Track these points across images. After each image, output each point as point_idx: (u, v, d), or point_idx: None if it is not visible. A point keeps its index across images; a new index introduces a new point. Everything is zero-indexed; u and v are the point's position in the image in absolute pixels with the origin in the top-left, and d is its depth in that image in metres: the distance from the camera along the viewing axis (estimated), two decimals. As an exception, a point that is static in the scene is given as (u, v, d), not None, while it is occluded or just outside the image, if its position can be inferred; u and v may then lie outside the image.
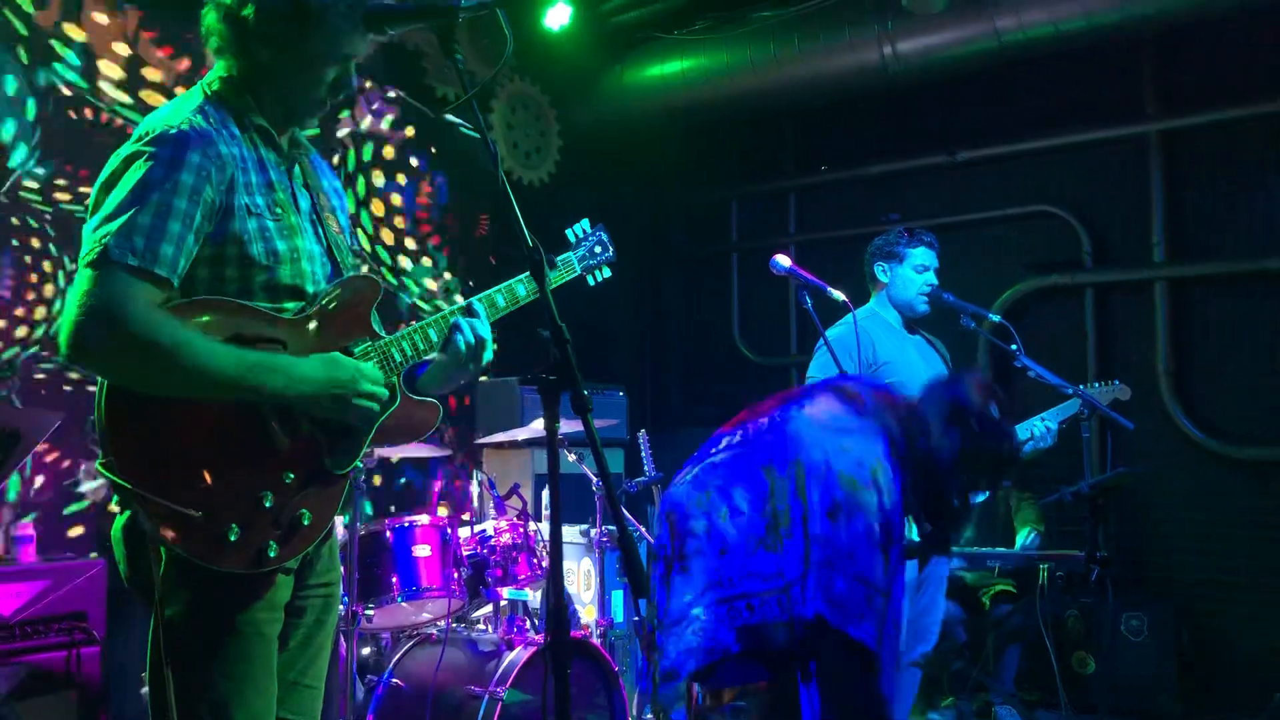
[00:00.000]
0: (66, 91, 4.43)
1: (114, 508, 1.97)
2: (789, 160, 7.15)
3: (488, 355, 2.22)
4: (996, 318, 3.99)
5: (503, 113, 6.54)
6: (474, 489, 4.57)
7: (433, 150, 6.20)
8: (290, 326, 1.99)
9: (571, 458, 4.60)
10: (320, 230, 2.13)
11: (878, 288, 4.05)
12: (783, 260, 3.22)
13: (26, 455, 2.95)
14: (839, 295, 3.18)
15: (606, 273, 2.62)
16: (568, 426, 3.83)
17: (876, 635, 2.45)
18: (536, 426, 4.57)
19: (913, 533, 3.64)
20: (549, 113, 6.79)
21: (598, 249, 2.59)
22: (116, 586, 2.00)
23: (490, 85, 6.34)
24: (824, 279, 3.34)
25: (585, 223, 2.61)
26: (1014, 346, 3.95)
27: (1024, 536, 5.32)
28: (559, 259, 2.50)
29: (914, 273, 3.97)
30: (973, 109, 6.32)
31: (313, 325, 2.03)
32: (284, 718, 2.04)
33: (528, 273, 2.29)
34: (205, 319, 1.88)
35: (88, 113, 4.49)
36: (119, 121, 4.57)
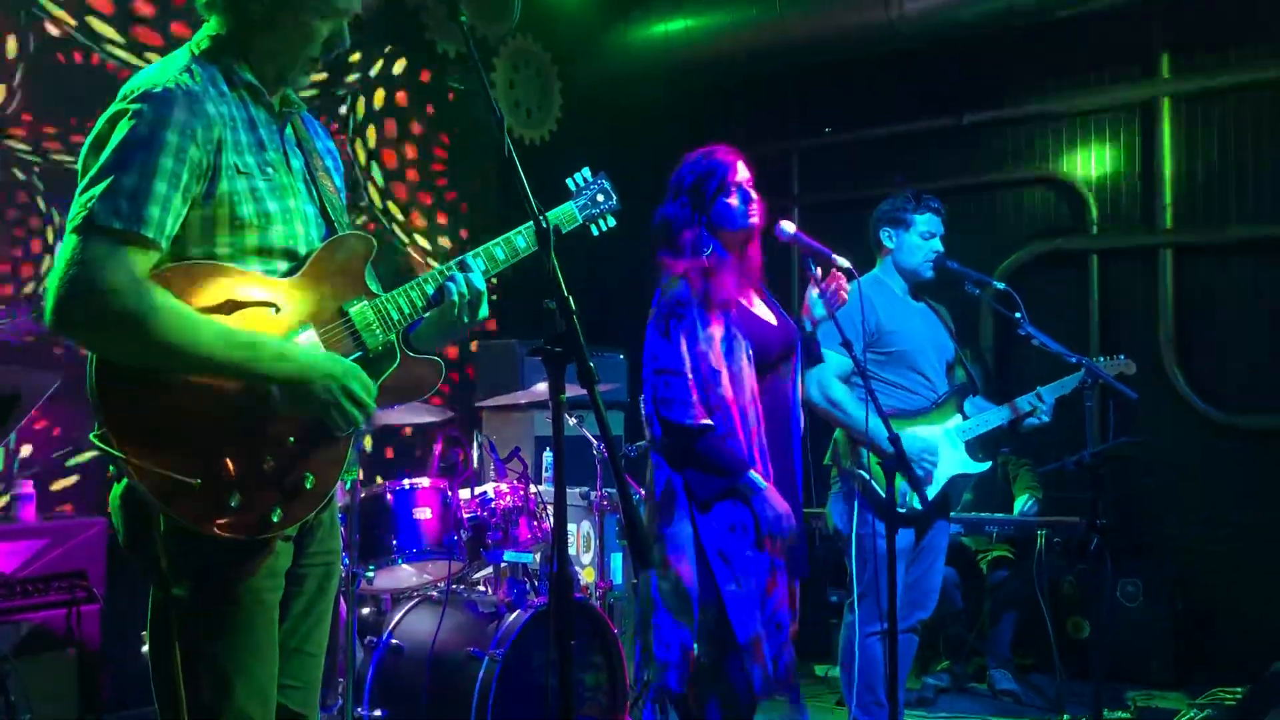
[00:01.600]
0: (54, 30, 4.22)
1: (110, 473, 1.92)
2: (793, 121, 7.09)
3: (483, 310, 2.19)
4: (1001, 285, 3.96)
5: (505, 70, 6.48)
6: (474, 451, 4.58)
7: (430, 111, 6.14)
8: (281, 288, 1.96)
9: (572, 420, 4.61)
10: (314, 190, 2.09)
11: (883, 253, 4.03)
12: (788, 226, 3.18)
13: (25, 415, 2.95)
14: (844, 262, 3.15)
15: (611, 222, 2.54)
16: (569, 390, 3.82)
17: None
18: (538, 390, 4.58)
19: (913, 500, 3.66)
20: (551, 70, 6.73)
21: (600, 198, 2.51)
22: (116, 545, 1.98)
23: (492, 43, 6.27)
24: (827, 242, 3.31)
25: (586, 171, 2.53)
26: (1018, 314, 3.93)
27: (1022, 503, 5.35)
28: (558, 209, 2.42)
29: (920, 239, 3.95)
30: (981, 71, 6.26)
31: (305, 285, 1.99)
32: (285, 684, 2.03)
33: (527, 224, 2.23)
34: (195, 284, 1.84)
35: (77, 56, 4.32)
36: (111, 65, 4.39)
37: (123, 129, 1.82)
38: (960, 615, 5.30)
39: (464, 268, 2.18)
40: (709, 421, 2.94)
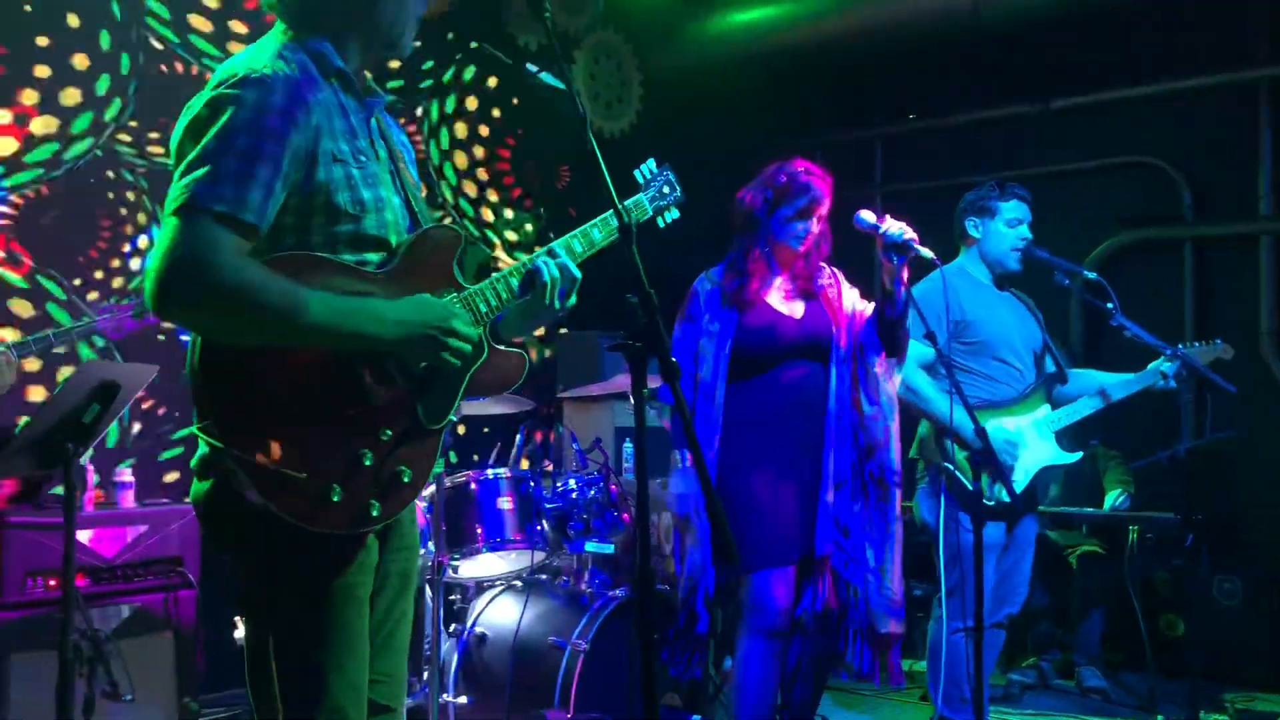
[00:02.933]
0: (158, 45, 4.48)
1: (195, 468, 1.93)
2: (875, 109, 7.00)
3: (573, 297, 2.19)
4: (1092, 274, 3.88)
5: (585, 63, 6.51)
6: (556, 442, 4.61)
7: (515, 101, 6.19)
8: (376, 280, 1.96)
9: (653, 411, 4.61)
10: (398, 181, 2.09)
11: (968, 243, 3.97)
12: (867, 216, 3.15)
13: (124, 407, 3.04)
14: (927, 252, 3.11)
15: (675, 214, 2.54)
16: (652, 382, 3.84)
17: None
18: (618, 381, 4.59)
19: (1001, 493, 3.60)
20: (631, 62, 6.74)
21: (666, 189, 2.51)
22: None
23: (573, 36, 6.30)
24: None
25: (651, 162, 2.53)
26: (1109, 304, 3.84)
27: (1114, 497, 5.22)
28: (628, 201, 2.40)
29: (1006, 227, 3.88)
30: (1068, 55, 6.11)
31: (396, 277, 1.98)
32: (373, 678, 2.02)
33: (601, 217, 2.26)
34: (294, 274, 1.83)
35: (179, 67, 4.55)
36: (208, 75, 4.61)
37: (224, 114, 1.80)
38: (1047, 610, 5.20)
39: (551, 254, 2.18)
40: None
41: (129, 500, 3.86)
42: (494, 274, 2.14)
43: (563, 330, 6.03)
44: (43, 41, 3.90)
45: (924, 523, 3.84)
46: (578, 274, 2.18)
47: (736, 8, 6.42)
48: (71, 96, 3.96)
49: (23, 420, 3.07)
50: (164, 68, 4.49)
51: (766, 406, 3.24)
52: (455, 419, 2.07)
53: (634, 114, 6.71)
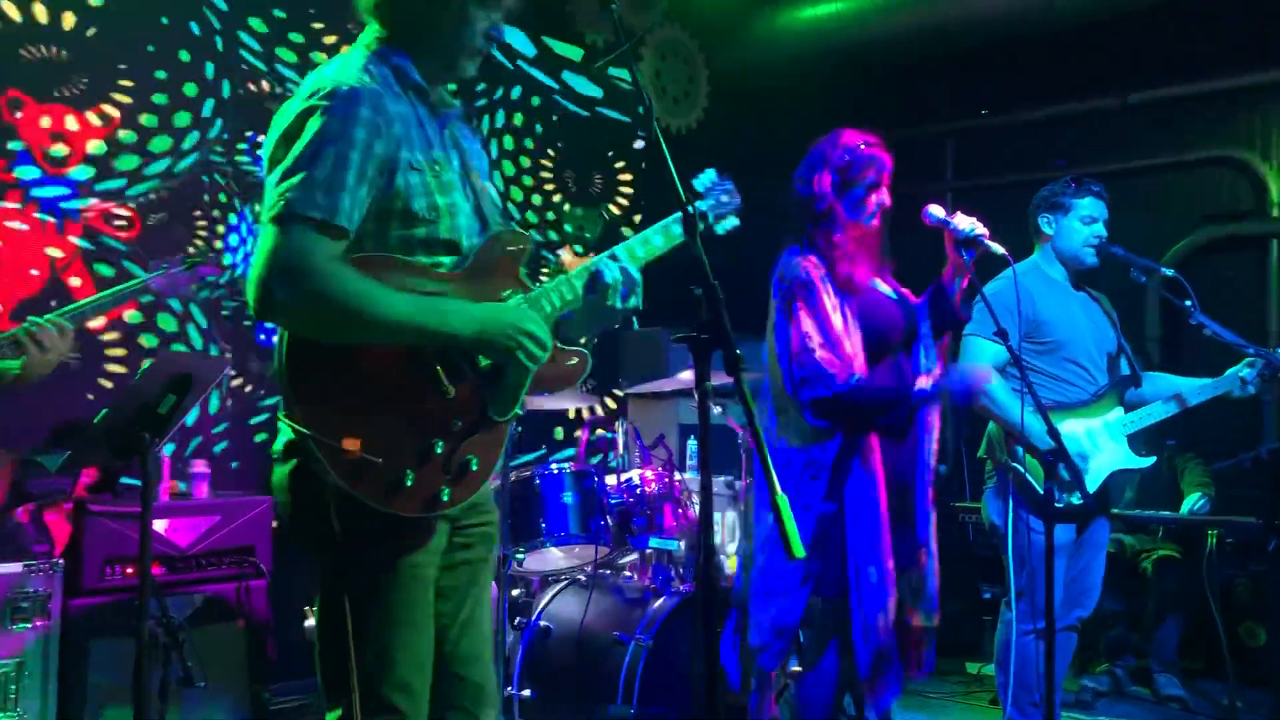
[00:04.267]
0: (246, 68, 4.83)
1: (278, 453, 2.05)
2: (946, 104, 6.92)
3: (635, 300, 2.26)
4: (1170, 271, 3.79)
5: (651, 59, 6.52)
6: (619, 438, 4.63)
7: (539, 129, 6.21)
8: (448, 281, 2.07)
9: (716, 409, 4.61)
10: (469, 188, 2.19)
11: (1042, 240, 3.90)
12: (936, 210, 3.11)
13: (199, 399, 3.10)
14: (998, 248, 3.06)
15: (734, 222, 2.60)
16: (715, 378, 3.84)
17: None
18: (683, 378, 4.59)
19: (1074, 497, 3.53)
20: (698, 58, 6.73)
21: (724, 198, 2.57)
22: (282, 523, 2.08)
23: (639, 33, 6.31)
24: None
25: (712, 172, 2.59)
26: (1188, 303, 3.75)
27: (1193, 500, 5.09)
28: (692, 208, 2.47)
29: (1080, 224, 3.80)
30: (1146, 48, 5.98)
31: (467, 278, 2.09)
32: (464, 656, 2.14)
33: (667, 220, 2.32)
34: (375, 275, 1.95)
35: (265, 86, 4.87)
36: (290, 89, 4.90)
37: (314, 124, 1.93)
38: (1121, 616, 5.09)
39: (614, 258, 2.26)
40: (857, 374, 2.98)
41: (203, 491, 3.96)
42: (558, 276, 2.23)
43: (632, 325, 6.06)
44: (161, 75, 4.46)
45: (992, 524, 3.78)
46: (638, 276, 2.26)
47: (804, 3, 6.39)
48: (182, 119, 4.54)
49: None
50: (251, 85, 4.84)
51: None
52: (520, 412, 2.14)
53: (700, 110, 6.70)
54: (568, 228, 6.15)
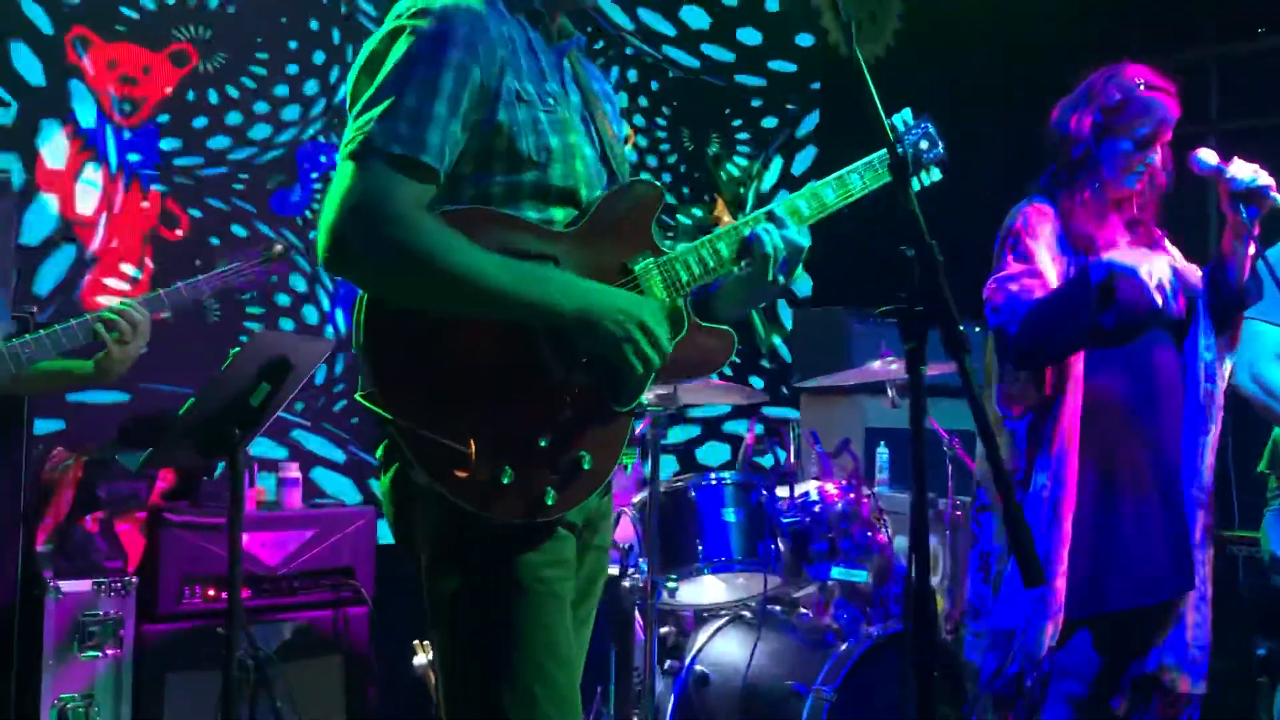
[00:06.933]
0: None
1: (379, 459, 2.07)
2: (1208, 22, 6.69)
3: (799, 271, 2.24)
4: None
5: (829, -28, 6.49)
6: (792, 444, 4.62)
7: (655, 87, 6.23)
8: (562, 240, 2.06)
9: (895, 406, 4.53)
10: (593, 131, 2.19)
11: (1342, 192, 3.74)
12: (1208, 157, 3.01)
13: (299, 385, 3.21)
14: (1289, 202, 2.95)
15: (936, 175, 2.54)
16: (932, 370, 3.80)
17: None
18: (870, 369, 4.55)
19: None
20: (886, -28, 6.68)
21: (924, 144, 2.51)
22: (388, 538, 2.14)
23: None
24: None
25: (908, 112, 2.54)
26: None
27: None
28: (875, 156, 2.39)
29: (1391, 171, 3.64)
30: None
31: (586, 238, 2.08)
32: None
33: (846, 169, 2.29)
34: (469, 232, 1.94)
35: None
36: None
37: (401, 46, 1.94)
38: None
39: (773, 218, 2.22)
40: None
41: (295, 499, 4.07)
42: (701, 238, 2.19)
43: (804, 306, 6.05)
44: (293, 45, 5.40)
45: (1273, 555, 3.66)
46: (804, 241, 2.22)
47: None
48: (311, 87, 5.44)
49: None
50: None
51: (1133, 390, 3.09)
52: (645, 402, 2.14)
53: (891, 35, 6.63)
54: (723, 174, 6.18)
